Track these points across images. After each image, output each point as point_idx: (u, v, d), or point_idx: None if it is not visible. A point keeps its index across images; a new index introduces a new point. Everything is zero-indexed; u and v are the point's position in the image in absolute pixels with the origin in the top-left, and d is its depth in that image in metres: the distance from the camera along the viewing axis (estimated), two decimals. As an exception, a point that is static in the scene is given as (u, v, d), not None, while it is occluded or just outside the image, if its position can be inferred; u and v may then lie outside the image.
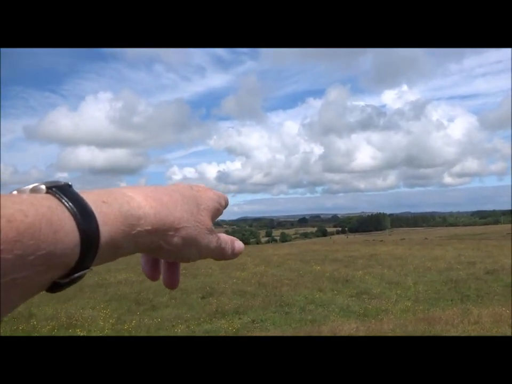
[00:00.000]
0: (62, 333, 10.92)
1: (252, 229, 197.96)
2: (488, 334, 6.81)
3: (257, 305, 13.84)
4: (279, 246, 62.14)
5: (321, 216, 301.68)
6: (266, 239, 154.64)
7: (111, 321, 12.26)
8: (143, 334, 11.06)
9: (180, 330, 11.09)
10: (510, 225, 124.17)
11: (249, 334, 10.30)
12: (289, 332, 9.53)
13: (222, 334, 10.75)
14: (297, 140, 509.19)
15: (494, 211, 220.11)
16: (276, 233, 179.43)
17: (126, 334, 11.03)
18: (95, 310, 13.83)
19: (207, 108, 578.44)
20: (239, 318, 12.39)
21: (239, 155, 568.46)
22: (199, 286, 18.01)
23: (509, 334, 6.70)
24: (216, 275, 21.67)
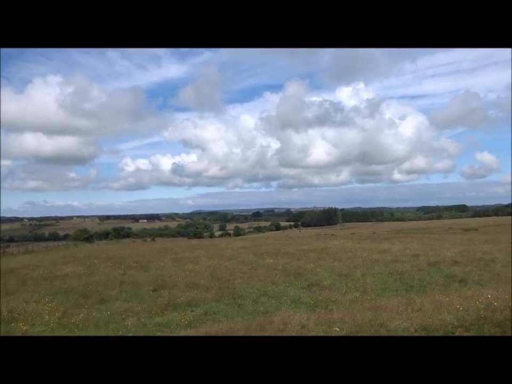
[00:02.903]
0: (3, 327, 10.36)
1: (206, 223, 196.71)
2: (430, 320, 7.18)
3: (210, 298, 13.80)
4: (232, 239, 62.27)
5: (275, 210, 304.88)
6: (220, 232, 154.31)
7: (57, 314, 11.79)
8: (91, 327, 10.72)
9: (130, 323, 10.86)
10: (451, 220, 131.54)
11: (201, 326, 10.25)
12: (241, 324, 9.57)
13: (174, 326, 10.64)
14: (254, 134, 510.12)
15: (437, 207, 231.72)
16: (230, 227, 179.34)
17: (73, 328, 10.65)
18: (39, 304, 13.24)
19: (163, 98, 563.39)
20: (192, 311, 12.31)
21: (194, 147, 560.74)
22: (150, 279, 17.70)
23: (448, 319, 7.10)
24: (168, 268, 21.40)
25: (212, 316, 11.67)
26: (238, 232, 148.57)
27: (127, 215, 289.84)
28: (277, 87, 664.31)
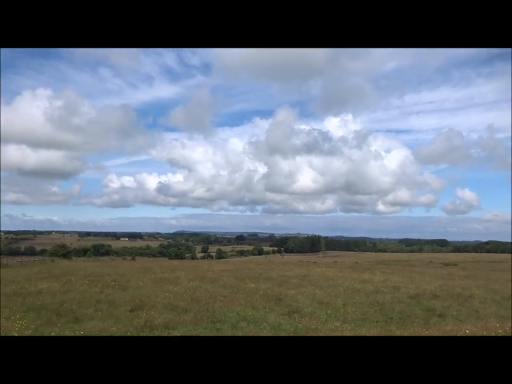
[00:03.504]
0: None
1: (188, 244, 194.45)
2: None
3: (188, 321, 13.49)
4: (214, 262, 61.62)
5: (259, 235, 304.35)
6: (202, 254, 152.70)
7: (27, 332, 11.34)
8: (62, 347, 10.34)
9: (104, 344, 10.52)
10: (432, 253, 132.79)
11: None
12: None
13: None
14: (242, 157, 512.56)
15: (419, 240, 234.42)
16: (213, 249, 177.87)
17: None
18: (9, 321, 12.74)
19: (154, 117, 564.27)
20: (168, 333, 11.99)
21: (181, 168, 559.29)
22: (128, 299, 17.26)
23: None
24: (147, 288, 20.95)
25: (189, 339, 11.40)
26: (220, 255, 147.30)
27: (108, 232, 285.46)
28: (266, 113, 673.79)
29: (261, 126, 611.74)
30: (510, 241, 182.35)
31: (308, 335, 11.17)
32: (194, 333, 11.97)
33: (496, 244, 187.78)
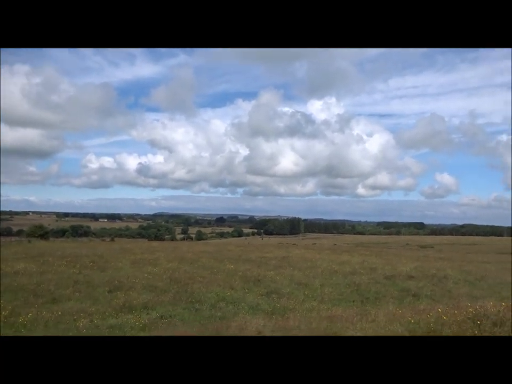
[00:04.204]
0: None
1: (168, 225, 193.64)
2: (382, 331, 7.36)
3: (167, 301, 13.55)
4: (194, 243, 61.69)
5: (239, 217, 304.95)
6: (182, 236, 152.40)
7: (3, 313, 11.21)
8: (40, 327, 10.27)
9: (82, 325, 10.48)
10: (409, 236, 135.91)
11: (156, 329, 10.04)
12: (197, 328, 9.46)
13: (128, 329, 10.36)
14: (224, 139, 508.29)
15: (396, 223, 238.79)
16: (192, 231, 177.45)
17: (21, 328, 10.17)
18: (-15, 301, 12.56)
19: (135, 97, 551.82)
20: (147, 313, 12.03)
21: (162, 149, 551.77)
22: (106, 280, 17.17)
23: (399, 331, 7.31)
24: (126, 269, 20.85)
25: (168, 319, 11.45)
26: (200, 237, 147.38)
27: (87, 213, 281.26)
28: (250, 95, 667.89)
29: (244, 107, 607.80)
30: (485, 224, 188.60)
31: (284, 315, 11.37)
32: (173, 313, 12.04)
33: (472, 227, 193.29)
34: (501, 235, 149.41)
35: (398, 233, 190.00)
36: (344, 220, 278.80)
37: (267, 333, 7.76)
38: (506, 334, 6.73)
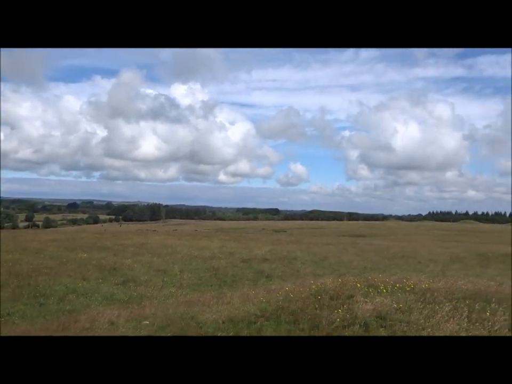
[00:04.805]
0: None
1: (8, 211, 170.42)
2: (237, 311, 7.70)
3: (5, 298, 11.98)
4: (41, 231, 55.63)
5: (95, 202, 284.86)
6: (26, 223, 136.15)
7: None
8: None
9: None
10: (265, 221, 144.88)
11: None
12: (41, 324, 8.57)
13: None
14: (78, 118, 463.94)
15: (254, 209, 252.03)
16: (39, 218, 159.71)
17: None
18: None
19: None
20: (-22, 313, 10.47)
21: (2, 124, 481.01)
22: None
23: (252, 310, 7.74)
24: (-49, 263, 17.78)
25: (5, 317, 10.15)
26: (48, 224, 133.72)
27: None
28: (110, 72, 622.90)
29: (103, 85, 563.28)
30: (329, 210, 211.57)
31: (141, 303, 11.07)
32: (11, 311, 10.71)
33: (318, 212, 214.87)
34: (341, 220, 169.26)
35: (255, 218, 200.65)
36: (205, 206, 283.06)
37: (121, 323, 7.44)
38: (340, 306, 7.68)
